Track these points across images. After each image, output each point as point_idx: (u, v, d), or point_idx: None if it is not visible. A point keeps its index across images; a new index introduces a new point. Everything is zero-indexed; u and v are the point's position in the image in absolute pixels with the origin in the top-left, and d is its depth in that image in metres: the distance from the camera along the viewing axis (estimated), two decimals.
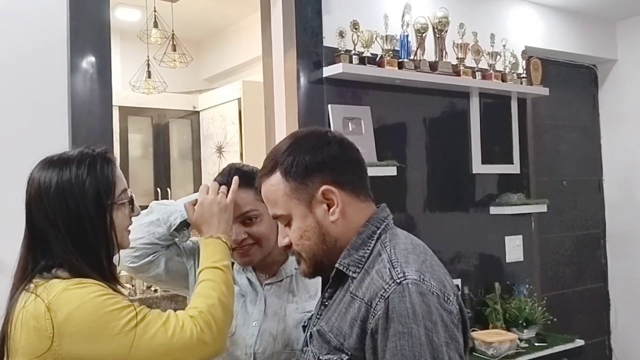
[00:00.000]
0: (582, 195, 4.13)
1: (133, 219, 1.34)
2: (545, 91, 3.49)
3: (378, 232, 1.16)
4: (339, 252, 1.16)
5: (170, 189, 4.76)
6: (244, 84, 4.32)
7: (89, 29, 2.21)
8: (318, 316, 1.21)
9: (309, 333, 1.22)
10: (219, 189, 1.49)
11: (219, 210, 1.46)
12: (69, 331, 1.11)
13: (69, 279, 1.18)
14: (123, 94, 4.31)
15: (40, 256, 1.23)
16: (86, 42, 2.21)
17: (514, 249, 3.43)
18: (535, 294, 3.38)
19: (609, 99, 4.23)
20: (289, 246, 1.20)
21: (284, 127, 2.71)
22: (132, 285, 4.24)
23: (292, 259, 1.54)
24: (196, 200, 1.52)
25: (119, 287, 1.27)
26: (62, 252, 1.20)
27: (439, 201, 3.09)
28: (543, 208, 3.45)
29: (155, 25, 3.88)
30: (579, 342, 3.65)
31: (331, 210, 1.14)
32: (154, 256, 1.55)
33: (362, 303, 1.06)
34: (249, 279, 1.59)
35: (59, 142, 2.15)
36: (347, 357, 1.06)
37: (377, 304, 1.02)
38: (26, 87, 2.10)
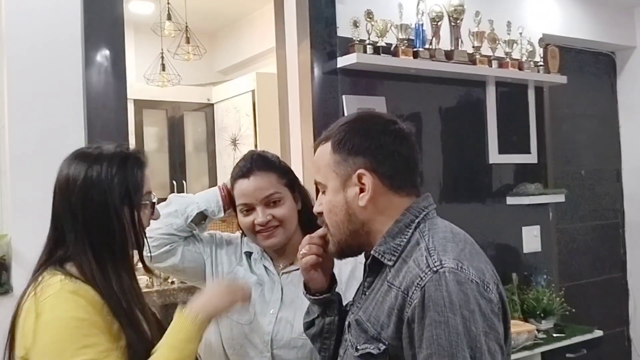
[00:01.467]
0: (600, 184, 4.07)
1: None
2: (562, 79, 3.44)
3: (416, 220, 1.14)
4: (366, 237, 1.17)
5: (185, 181, 4.78)
6: (257, 76, 4.32)
7: (103, 22, 2.21)
8: (358, 305, 1.21)
9: (347, 322, 1.22)
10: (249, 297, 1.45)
11: (226, 294, 1.36)
12: (38, 339, 1.14)
13: (72, 280, 1.19)
14: (138, 87, 4.33)
15: (57, 247, 1.25)
16: (100, 36, 2.21)
17: (531, 239, 3.40)
18: (553, 285, 3.35)
19: (628, 86, 4.16)
20: (321, 213, 1.22)
21: (298, 119, 2.70)
22: (149, 278, 4.26)
23: None
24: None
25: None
26: (76, 246, 1.22)
27: (455, 191, 3.07)
28: (561, 198, 3.41)
29: (169, 17, 3.88)
30: (598, 333, 3.62)
31: (361, 195, 1.14)
32: (170, 246, 1.59)
33: (399, 292, 1.05)
34: (266, 268, 1.61)
35: (75, 136, 2.16)
36: (384, 346, 1.06)
37: (413, 293, 1.02)
38: (41, 81, 2.11)
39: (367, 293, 1.18)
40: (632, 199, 4.15)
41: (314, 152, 1.26)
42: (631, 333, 4.16)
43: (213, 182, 4.82)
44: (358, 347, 1.10)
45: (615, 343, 4.05)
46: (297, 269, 1.55)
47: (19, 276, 2.03)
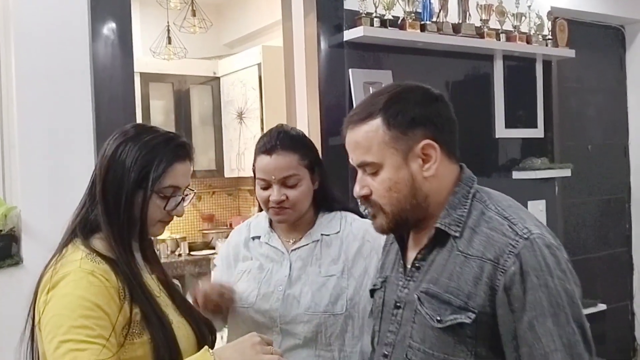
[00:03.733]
0: (607, 159, 4.06)
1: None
2: (571, 53, 3.41)
3: (472, 191, 1.17)
4: (425, 210, 1.16)
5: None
6: (263, 49, 4.29)
7: None
8: (411, 279, 1.19)
9: (406, 296, 1.19)
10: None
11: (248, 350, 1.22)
12: (46, 310, 1.16)
13: (92, 259, 1.21)
14: (144, 60, 4.31)
15: (89, 212, 1.27)
16: (107, 9, 2.20)
17: (537, 214, 3.36)
18: None
19: (637, 60, 4.12)
20: (367, 197, 1.17)
21: (304, 93, 2.70)
22: (157, 250, 4.31)
23: (319, 225, 1.61)
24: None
25: (146, 274, 1.31)
26: (101, 216, 1.24)
27: None
28: (567, 172, 3.41)
29: None
30: (601, 307, 3.66)
31: (427, 165, 1.14)
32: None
33: (484, 261, 1.08)
34: (275, 247, 1.63)
35: (82, 109, 2.17)
36: (474, 314, 1.07)
37: (506, 261, 1.06)
38: (49, 54, 2.11)
39: (420, 267, 1.18)
40: (639, 174, 4.14)
41: (345, 132, 1.19)
42: (635, 307, 4.18)
43: (220, 156, 4.83)
44: (443, 319, 1.09)
45: (619, 317, 4.08)
46: (306, 245, 1.60)
47: (29, 248, 2.06)
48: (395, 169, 1.13)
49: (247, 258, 1.67)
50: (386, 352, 1.21)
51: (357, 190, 1.19)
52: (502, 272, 1.06)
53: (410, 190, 1.14)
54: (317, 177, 1.61)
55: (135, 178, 1.24)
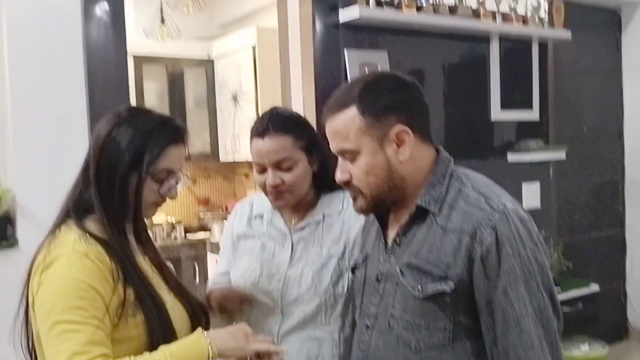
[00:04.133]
0: (601, 141, 4.07)
1: None
2: (567, 34, 3.41)
3: (449, 170, 1.24)
4: (402, 191, 1.22)
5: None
6: (258, 31, 4.26)
7: None
8: (393, 254, 1.24)
9: (387, 270, 1.25)
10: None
11: (241, 337, 1.26)
12: (40, 291, 1.17)
13: (85, 240, 1.21)
14: (137, 41, 4.27)
15: (82, 193, 1.27)
16: None
17: (531, 196, 3.42)
18: (551, 240, 3.38)
19: (633, 43, 4.11)
20: (347, 182, 1.23)
21: (300, 75, 2.69)
22: (153, 233, 4.31)
23: (321, 205, 1.60)
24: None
25: (140, 256, 1.30)
26: (95, 198, 1.24)
27: (456, 148, 3.00)
28: (562, 155, 3.42)
29: None
30: (594, 288, 3.68)
31: (401, 149, 1.19)
32: None
33: (463, 234, 1.15)
34: (277, 227, 1.62)
35: (76, 91, 2.16)
36: (453, 283, 1.14)
37: (482, 232, 1.13)
38: (41, 35, 2.09)
39: (401, 242, 1.23)
40: (633, 157, 4.15)
41: (325, 121, 1.24)
42: (627, 288, 4.22)
43: (215, 139, 4.82)
44: (424, 289, 1.16)
45: (612, 298, 4.12)
46: (308, 225, 1.59)
47: (24, 230, 2.06)
48: (372, 155, 1.19)
49: (249, 236, 1.66)
50: (368, 324, 1.27)
51: (339, 176, 1.24)
52: (479, 243, 1.13)
53: (387, 174, 1.20)
54: (315, 159, 1.57)
55: (129, 160, 1.23)
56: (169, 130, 1.28)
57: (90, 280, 1.16)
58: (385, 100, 1.19)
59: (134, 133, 1.24)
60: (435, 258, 1.16)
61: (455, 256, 1.14)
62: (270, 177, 1.52)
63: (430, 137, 1.25)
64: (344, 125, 1.19)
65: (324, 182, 1.60)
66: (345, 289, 1.52)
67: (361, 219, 1.51)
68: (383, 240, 1.29)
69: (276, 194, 1.54)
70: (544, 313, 1.12)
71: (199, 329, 1.23)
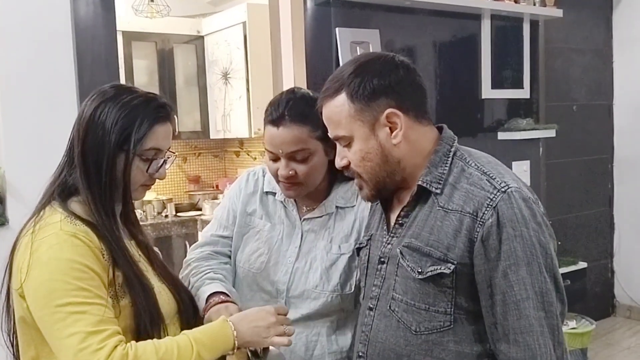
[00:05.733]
0: (591, 120, 4.09)
1: None
2: (558, 12, 3.40)
3: (453, 149, 1.22)
4: (402, 173, 1.21)
5: (177, 116, 4.74)
6: (248, 7, 4.22)
7: None
8: (394, 235, 1.23)
9: (389, 251, 1.23)
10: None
11: (262, 321, 1.28)
12: (32, 275, 1.13)
13: (71, 221, 1.18)
14: (126, 18, 4.22)
15: (67, 175, 1.24)
16: None
17: (521, 174, 3.43)
18: None
19: (624, 20, 4.12)
20: (346, 167, 1.23)
21: (291, 52, 2.67)
22: (144, 211, 4.31)
23: (334, 195, 1.53)
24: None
25: (127, 239, 1.28)
26: (80, 179, 1.21)
27: (447, 126, 3.07)
28: (552, 133, 3.44)
29: None
30: (582, 265, 3.73)
31: (394, 133, 1.17)
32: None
33: (464, 215, 1.13)
34: (289, 211, 1.56)
35: (65, 69, 2.14)
36: (453, 265, 1.12)
37: (484, 213, 1.11)
38: (29, 12, 2.07)
39: (403, 223, 1.22)
40: (623, 135, 4.18)
41: (320, 110, 1.23)
42: (615, 265, 4.28)
43: (205, 117, 4.79)
44: (423, 271, 1.15)
45: (599, 275, 4.18)
46: (320, 216, 1.53)
47: (14, 209, 2.05)
48: (365, 140, 1.18)
49: (259, 215, 1.58)
50: (371, 305, 1.26)
51: (338, 161, 1.24)
52: (480, 224, 1.11)
53: (381, 158, 1.19)
54: (332, 147, 1.38)
55: (116, 140, 1.20)
56: (154, 107, 1.25)
57: (84, 260, 1.14)
58: (372, 84, 1.17)
59: (119, 112, 1.21)
60: (436, 239, 1.15)
61: (455, 237, 1.13)
62: (282, 167, 1.43)
63: (427, 117, 1.23)
64: (336, 112, 1.19)
65: (339, 171, 1.45)
66: (353, 289, 1.47)
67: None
68: (386, 222, 1.28)
69: (289, 185, 1.46)
70: (545, 297, 1.09)
71: (222, 317, 1.22)
